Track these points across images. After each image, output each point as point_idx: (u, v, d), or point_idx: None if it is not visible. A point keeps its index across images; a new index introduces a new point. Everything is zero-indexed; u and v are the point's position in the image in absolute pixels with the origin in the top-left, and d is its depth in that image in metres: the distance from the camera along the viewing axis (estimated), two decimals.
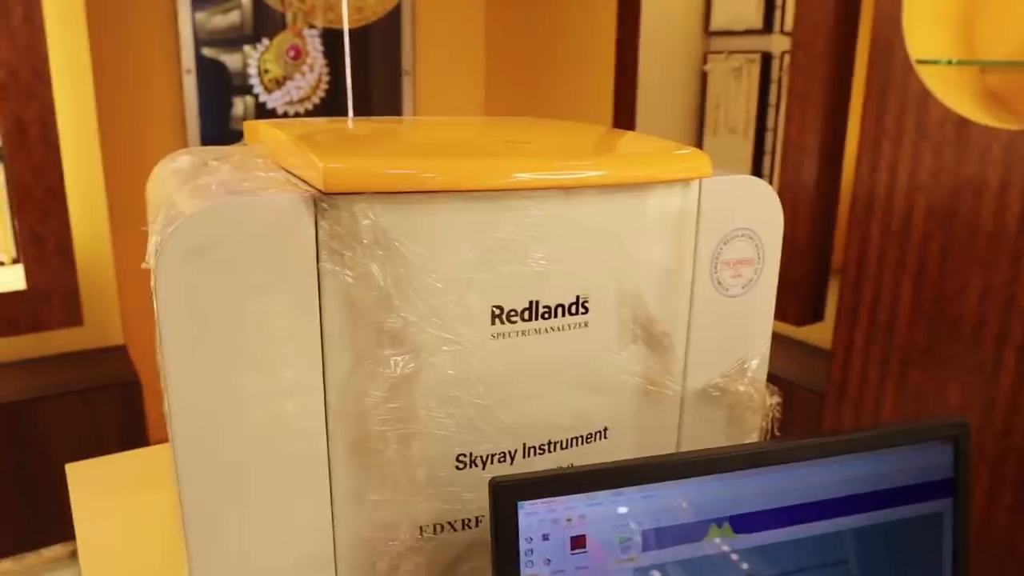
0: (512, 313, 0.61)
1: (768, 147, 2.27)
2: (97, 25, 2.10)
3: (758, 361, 0.78)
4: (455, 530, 0.65)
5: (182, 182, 0.62)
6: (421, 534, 0.64)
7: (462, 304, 0.59)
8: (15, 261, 2.03)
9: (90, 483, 1.03)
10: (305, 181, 0.56)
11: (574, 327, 0.64)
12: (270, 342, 0.55)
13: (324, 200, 0.53)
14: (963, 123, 1.56)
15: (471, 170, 0.56)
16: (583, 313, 0.64)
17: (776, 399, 0.80)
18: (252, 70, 2.68)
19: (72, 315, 1.93)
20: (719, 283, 0.73)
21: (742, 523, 0.60)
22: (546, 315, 0.62)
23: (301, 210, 0.53)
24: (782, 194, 2.05)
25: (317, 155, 0.53)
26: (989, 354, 1.55)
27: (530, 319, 0.61)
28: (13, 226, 2.00)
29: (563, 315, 0.63)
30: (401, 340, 0.57)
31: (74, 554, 1.89)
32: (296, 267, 0.53)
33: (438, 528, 0.64)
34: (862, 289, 1.79)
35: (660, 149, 0.70)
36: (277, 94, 2.80)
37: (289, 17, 2.76)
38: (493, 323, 0.60)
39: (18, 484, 1.91)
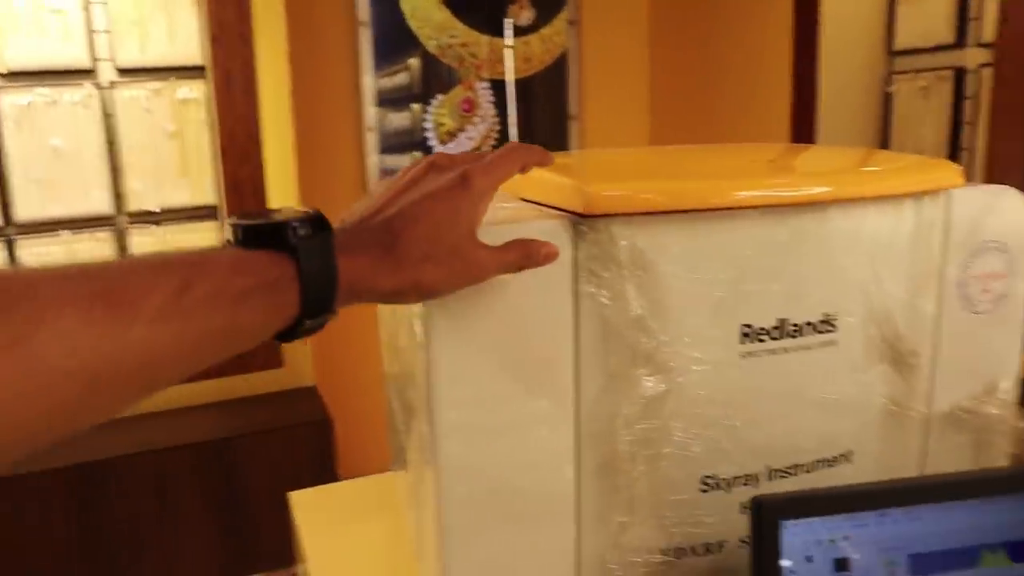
0: (761, 331, 0.60)
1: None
2: (296, 91, 2.29)
3: (1009, 382, 0.73)
4: (697, 555, 0.64)
5: None
6: (663, 558, 0.64)
7: (713, 324, 0.59)
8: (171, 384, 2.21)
9: (312, 511, 1.10)
10: (558, 208, 0.58)
11: (822, 345, 0.62)
12: (529, 363, 0.57)
13: (583, 223, 0.55)
14: None
15: (725, 188, 0.57)
16: (831, 331, 0.62)
17: None
18: (428, 124, 2.83)
19: (272, 358, 2.07)
20: (967, 299, 0.69)
21: (1020, 550, 0.55)
22: (794, 333, 0.61)
23: (562, 234, 0.55)
24: None
25: (576, 180, 0.56)
26: None
27: (779, 337, 0.61)
28: None
29: (811, 333, 0.62)
30: (653, 360, 0.58)
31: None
32: (557, 289, 0.56)
33: (680, 552, 0.64)
34: None
35: (909, 161, 0.68)
36: (451, 145, 2.93)
37: (462, 72, 2.90)
38: (742, 342, 0.60)
39: (224, 514, 2.06)
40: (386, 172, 2.76)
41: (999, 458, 0.72)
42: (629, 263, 0.55)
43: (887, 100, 2.32)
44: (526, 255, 0.52)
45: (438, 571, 0.60)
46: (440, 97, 2.87)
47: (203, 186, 2.05)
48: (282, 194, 2.19)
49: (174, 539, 1.95)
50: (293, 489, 1.13)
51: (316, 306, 0.44)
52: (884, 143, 2.36)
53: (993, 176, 1.80)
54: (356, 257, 0.45)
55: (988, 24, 2.05)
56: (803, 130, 2.38)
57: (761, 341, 0.60)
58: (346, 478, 1.19)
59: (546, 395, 0.58)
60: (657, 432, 0.60)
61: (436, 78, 2.89)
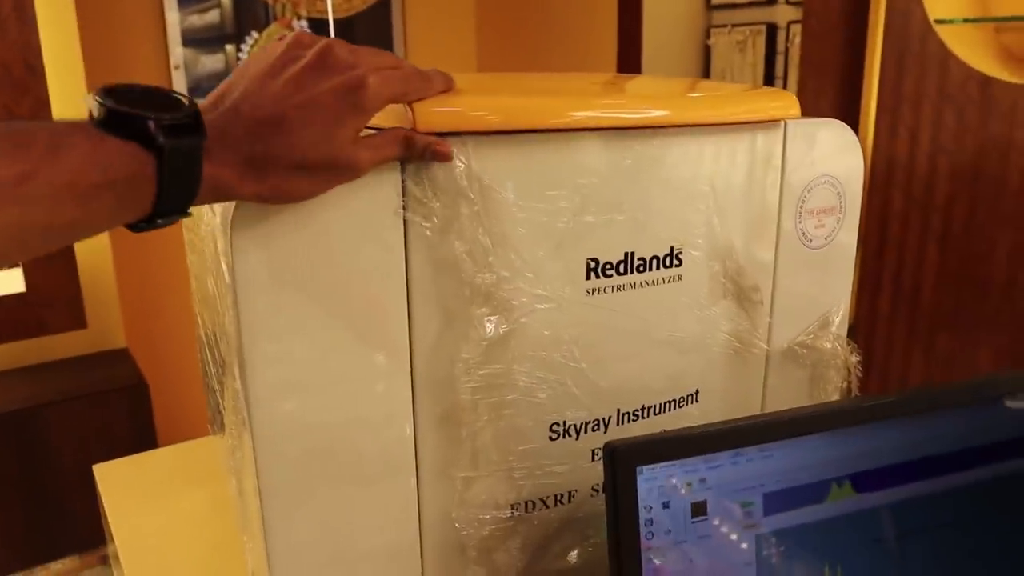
0: (608, 266, 0.56)
1: None
2: (88, 24, 2.03)
3: (840, 317, 0.74)
4: (547, 507, 0.61)
5: None
6: (512, 512, 0.59)
7: (557, 257, 0.54)
8: (12, 264, 1.96)
9: (121, 484, 0.98)
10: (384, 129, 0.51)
11: (668, 281, 0.60)
12: (352, 305, 0.50)
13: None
14: (987, 82, 1.52)
15: (563, 107, 0.52)
16: (677, 265, 0.60)
17: (856, 357, 0.76)
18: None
19: (75, 318, 1.86)
20: (803, 234, 0.69)
21: (863, 481, 0.56)
22: (641, 268, 0.58)
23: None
24: None
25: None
26: (1021, 312, 1.52)
27: (625, 272, 0.57)
28: None
29: (658, 267, 0.58)
30: (493, 298, 0.53)
31: (105, 559, 1.83)
32: (379, 220, 0.49)
33: (530, 506, 0.60)
34: (885, 256, 1.75)
35: (746, 89, 0.66)
36: None
37: (278, 9, 2.70)
38: (588, 277, 0.56)
39: (27, 494, 1.85)
40: None
41: (832, 392, 0.74)
42: (465, 190, 0.49)
43: (707, 52, 2.39)
44: (409, 148, 0.47)
45: (262, 543, 0.53)
46: (255, 35, 2.67)
47: None
48: None
49: None
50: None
51: (172, 209, 0.42)
52: None
53: None
54: (222, 164, 0.42)
55: None
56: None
57: (607, 276, 0.56)
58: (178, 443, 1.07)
59: (376, 342, 0.51)
60: (500, 378, 0.55)
61: (250, 14, 2.67)
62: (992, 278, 1.57)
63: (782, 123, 0.64)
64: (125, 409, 1.95)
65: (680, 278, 0.60)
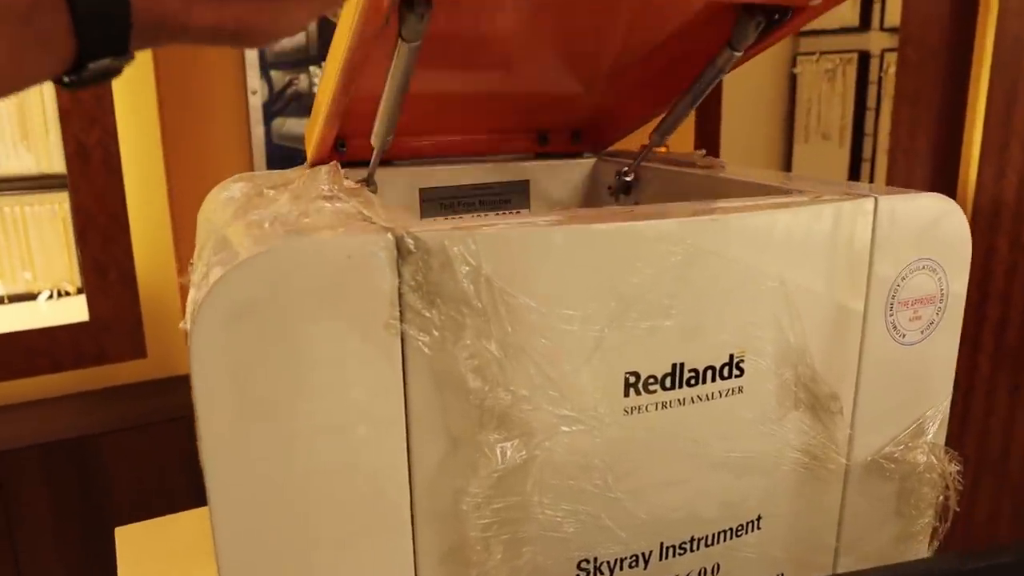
0: (651, 380, 0.47)
1: (867, 153, 2.09)
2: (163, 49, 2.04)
3: (939, 424, 0.62)
4: None
5: (232, 217, 0.50)
6: None
7: (588, 371, 0.45)
8: (79, 291, 1.97)
9: (140, 550, 0.93)
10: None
11: (726, 394, 0.50)
12: (337, 429, 0.42)
13: (410, 237, 0.40)
14: None
15: None
16: (738, 376, 0.50)
17: (956, 467, 0.64)
18: None
19: (136, 347, 1.86)
20: (894, 328, 0.58)
21: None
22: (693, 381, 0.48)
23: (378, 254, 0.40)
24: None
25: None
26: None
27: (673, 387, 0.47)
28: (77, 255, 1.95)
29: (714, 379, 0.49)
30: (509, 421, 0.44)
31: None
32: (371, 331, 0.41)
33: None
34: (987, 311, 1.59)
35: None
36: None
37: None
38: (627, 394, 0.46)
39: (85, 524, 1.85)
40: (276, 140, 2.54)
41: (926, 510, 0.62)
42: (471, 295, 0.41)
43: (793, 81, 2.25)
44: None
45: None
46: None
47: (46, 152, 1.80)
48: (141, 164, 1.95)
49: (14, 557, 1.72)
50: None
51: (100, 50, 0.32)
52: (790, 125, 2.29)
53: (896, 166, 1.75)
54: None
55: (892, 8, 2.00)
56: (709, 106, 2.29)
57: (650, 392, 0.47)
58: None
59: (366, 473, 0.43)
60: (517, 511, 0.46)
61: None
62: None
63: (871, 198, 0.54)
64: (183, 439, 1.93)
65: (741, 390, 0.50)
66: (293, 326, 0.39)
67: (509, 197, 0.82)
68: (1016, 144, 1.51)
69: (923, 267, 0.58)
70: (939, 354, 0.61)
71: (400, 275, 0.40)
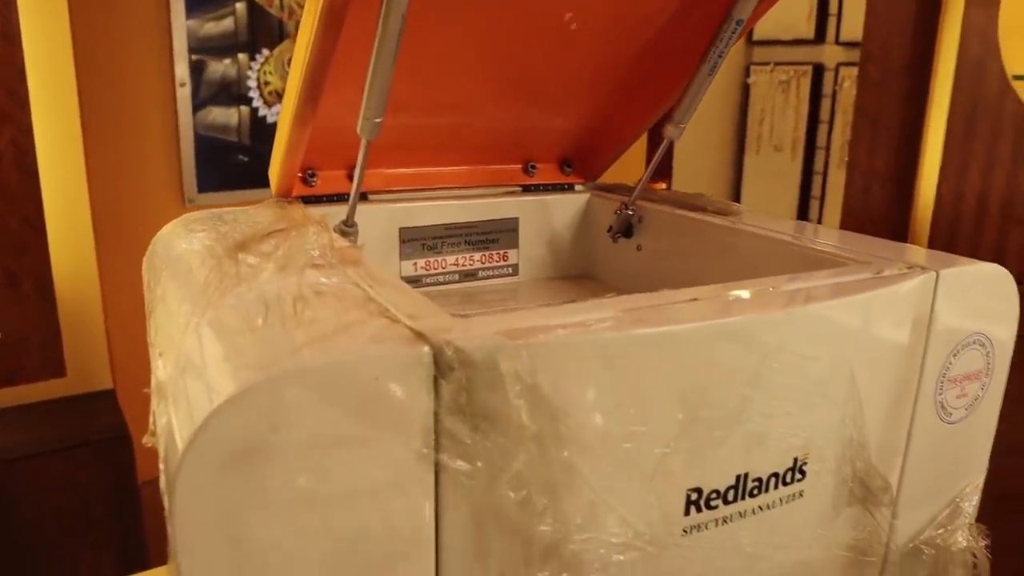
0: (713, 496, 0.40)
1: (819, 167, 2.08)
2: (83, 37, 1.88)
3: (976, 501, 0.58)
4: None
5: (206, 292, 0.42)
6: None
7: (647, 492, 0.38)
8: None
9: None
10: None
11: (785, 501, 0.44)
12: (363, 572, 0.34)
13: (450, 348, 0.32)
14: None
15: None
16: (799, 480, 0.44)
17: (984, 540, 0.60)
18: (252, 82, 2.47)
19: (54, 365, 1.71)
20: (942, 407, 0.53)
21: None
22: (756, 491, 0.42)
23: (412, 372, 0.32)
24: (845, 223, 1.85)
25: None
26: None
27: (735, 499, 0.41)
28: None
29: (775, 487, 0.43)
30: (557, 555, 0.37)
31: None
32: (400, 464, 0.33)
33: None
34: None
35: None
36: (277, 108, 2.59)
37: (291, 27, 2.56)
38: (688, 513, 0.40)
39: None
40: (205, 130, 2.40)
41: None
42: (522, 416, 0.33)
43: (746, 91, 2.23)
44: None
45: None
46: (266, 52, 2.52)
47: None
48: (61, 165, 1.79)
49: None
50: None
51: None
52: (741, 136, 2.27)
53: (853, 184, 1.74)
54: None
55: (848, 22, 1.99)
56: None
57: (712, 508, 0.40)
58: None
59: None
60: None
61: (265, 30, 2.53)
62: None
63: (933, 273, 0.49)
64: (105, 461, 1.79)
65: (801, 495, 0.44)
66: (303, 467, 0.31)
67: (497, 237, 0.74)
68: (975, 170, 1.51)
69: (974, 342, 0.53)
70: (980, 430, 0.57)
71: (438, 395, 0.33)
